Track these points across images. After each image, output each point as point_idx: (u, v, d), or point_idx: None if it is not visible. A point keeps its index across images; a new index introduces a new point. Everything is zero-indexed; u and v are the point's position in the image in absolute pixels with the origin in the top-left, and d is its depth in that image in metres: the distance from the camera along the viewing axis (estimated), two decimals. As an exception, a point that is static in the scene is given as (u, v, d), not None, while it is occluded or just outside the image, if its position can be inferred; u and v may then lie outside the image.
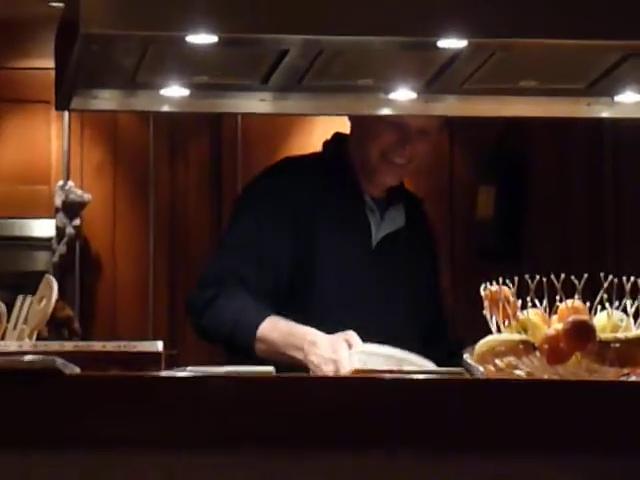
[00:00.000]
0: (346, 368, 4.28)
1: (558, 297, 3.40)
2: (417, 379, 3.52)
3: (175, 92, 4.39)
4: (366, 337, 4.41)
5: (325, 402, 3.13)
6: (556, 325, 3.37)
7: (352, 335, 4.38)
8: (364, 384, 3.37)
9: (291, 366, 4.41)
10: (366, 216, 4.81)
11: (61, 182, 6.58)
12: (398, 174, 4.88)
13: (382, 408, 3.09)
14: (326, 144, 5.07)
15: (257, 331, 4.59)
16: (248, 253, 4.83)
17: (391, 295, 4.74)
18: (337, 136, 5.02)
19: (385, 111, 4.53)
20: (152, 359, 3.43)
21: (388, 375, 3.62)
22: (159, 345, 3.39)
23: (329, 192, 4.83)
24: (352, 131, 4.94)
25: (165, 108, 4.66)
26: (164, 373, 3.28)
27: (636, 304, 3.41)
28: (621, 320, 3.45)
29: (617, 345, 3.37)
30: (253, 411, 3.12)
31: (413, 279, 4.84)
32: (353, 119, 4.93)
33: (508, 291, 3.51)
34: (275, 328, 4.61)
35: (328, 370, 4.38)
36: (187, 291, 5.09)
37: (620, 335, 3.39)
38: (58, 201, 5.39)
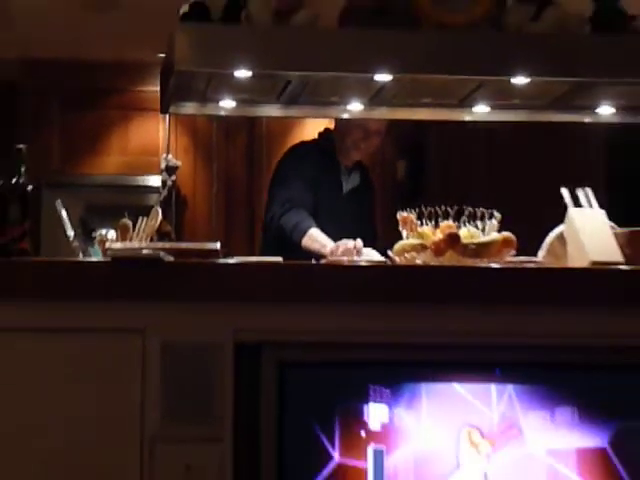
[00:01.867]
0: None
1: (440, 220, 4.01)
2: (376, 265, 4.08)
3: (227, 104, 4.87)
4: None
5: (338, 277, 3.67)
6: (438, 234, 3.93)
7: (358, 241, 5.03)
8: (355, 268, 3.94)
9: (318, 255, 5.07)
10: (340, 177, 5.66)
11: (164, 155, 6.88)
12: (361, 154, 5.73)
13: (363, 276, 3.67)
14: (320, 134, 5.88)
15: (307, 232, 5.31)
16: (298, 199, 5.47)
17: (354, 219, 5.40)
18: (326, 130, 5.87)
19: (346, 115, 5.08)
20: (213, 253, 3.73)
21: (367, 263, 4.20)
22: (218, 245, 3.78)
23: (322, 163, 5.64)
24: (335, 128, 5.72)
25: (222, 113, 5.17)
26: (221, 260, 3.70)
27: (481, 225, 3.99)
28: (474, 233, 3.97)
29: (472, 247, 3.89)
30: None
31: (363, 210, 5.68)
32: (336, 121, 5.69)
33: (412, 216, 4.08)
34: (316, 235, 5.29)
35: (339, 252, 5.03)
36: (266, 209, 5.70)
37: (474, 241, 3.92)
38: (162, 165, 5.29)
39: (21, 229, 3.57)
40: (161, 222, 3.93)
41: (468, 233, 3.93)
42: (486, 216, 4.00)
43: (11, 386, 3.37)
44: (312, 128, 6.25)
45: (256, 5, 4.16)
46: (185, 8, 4.18)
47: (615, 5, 4.33)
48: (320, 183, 5.46)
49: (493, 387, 3.56)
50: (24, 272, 3.51)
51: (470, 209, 4.01)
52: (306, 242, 5.20)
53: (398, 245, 4.04)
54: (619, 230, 3.88)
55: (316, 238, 5.18)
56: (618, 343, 3.59)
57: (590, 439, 3.57)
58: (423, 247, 3.92)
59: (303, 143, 6.14)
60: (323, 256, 4.98)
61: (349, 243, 5.01)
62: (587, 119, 4.98)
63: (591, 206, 3.96)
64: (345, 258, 4.75)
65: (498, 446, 3.53)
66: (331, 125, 5.50)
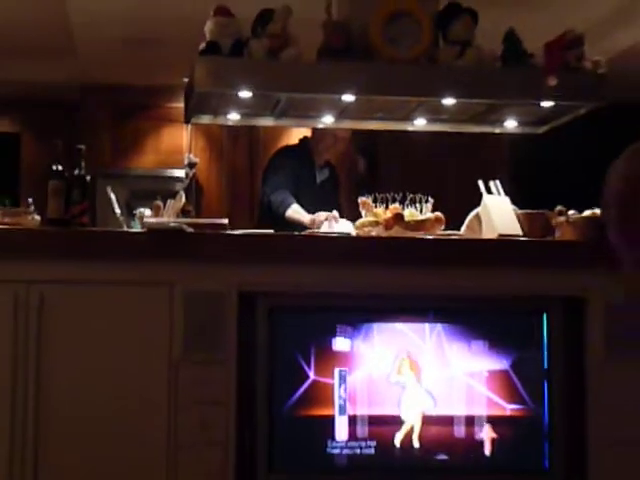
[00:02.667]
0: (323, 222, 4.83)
1: (389, 203, 4.02)
2: (342, 236, 3.95)
3: (233, 116, 4.80)
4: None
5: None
6: (388, 214, 3.94)
7: (334, 212, 4.85)
8: (327, 238, 4.03)
9: (299, 225, 4.97)
10: (314, 172, 5.45)
11: (187, 154, 6.26)
12: (330, 155, 5.53)
13: (333, 244, 3.75)
14: (300, 140, 5.64)
15: (290, 206, 5.14)
16: (284, 184, 5.28)
17: (324, 202, 5.11)
18: (305, 137, 5.62)
19: (320, 126, 5.01)
20: (223, 226, 3.74)
21: (336, 234, 4.12)
22: (226, 220, 3.77)
23: (302, 161, 5.45)
24: (312, 135, 5.51)
25: (229, 123, 5.05)
26: (228, 231, 3.70)
27: (419, 207, 3.97)
28: (414, 213, 3.95)
29: (412, 223, 3.88)
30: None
31: (331, 196, 5.44)
32: (313, 130, 5.48)
33: (369, 201, 4.10)
34: (297, 209, 5.13)
35: (319, 221, 4.87)
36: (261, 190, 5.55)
37: (414, 219, 3.91)
38: (185, 162, 5.11)
39: (81, 208, 3.62)
40: (184, 203, 3.92)
41: (409, 213, 3.93)
42: (423, 200, 4.01)
43: (76, 323, 3.44)
44: (295, 135, 6.19)
45: (254, 44, 4.17)
46: (203, 45, 4.19)
47: (519, 46, 4.35)
48: (300, 175, 5.39)
49: (427, 326, 3.65)
50: (83, 239, 3.58)
51: (411, 195, 4.02)
52: (289, 214, 5.10)
53: (359, 222, 4.08)
54: (519, 212, 3.89)
55: (297, 211, 5.10)
56: (517, 294, 3.66)
57: (496, 364, 3.65)
58: (377, 223, 3.93)
59: (288, 146, 6.08)
60: (304, 227, 4.88)
61: (322, 215, 4.89)
62: (497, 130, 4.97)
63: (499, 194, 3.97)
64: (325, 226, 4.69)
65: (430, 370, 3.61)
66: (309, 133, 5.37)
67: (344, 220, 4.72)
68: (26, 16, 5.68)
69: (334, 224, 4.72)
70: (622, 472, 3.51)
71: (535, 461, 3.66)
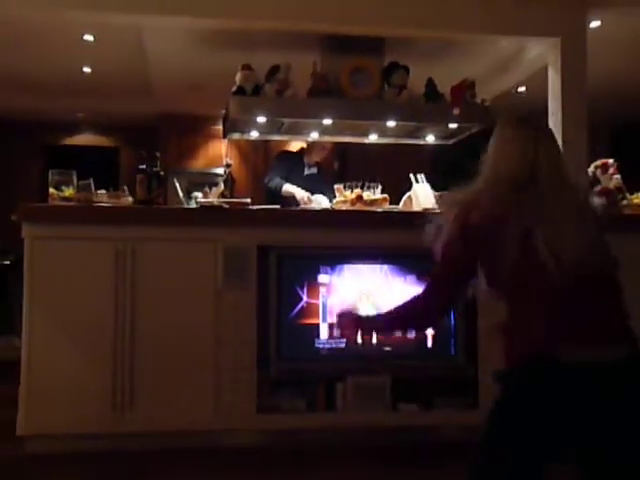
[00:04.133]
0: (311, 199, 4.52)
1: (354, 188, 3.81)
2: (325, 209, 3.91)
3: (254, 134, 4.63)
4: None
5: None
6: (353, 195, 3.75)
7: (317, 195, 4.57)
8: (314, 210, 3.97)
9: (293, 200, 4.58)
10: (304, 168, 4.90)
11: (224, 158, 6.02)
12: (318, 158, 4.96)
13: (319, 215, 3.69)
14: (299, 149, 5.15)
15: (283, 186, 4.67)
16: (276, 175, 4.79)
17: (309, 189, 4.63)
18: (301, 147, 5.10)
19: (310, 139, 4.77)
20: (247, 204, 3.55)
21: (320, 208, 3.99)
22: (249, 199, 3.60)
23: (294, 160, 4.95)
24: (307, 145, 4.97)
25: (252, 138, 4.78)
26: (250, 207, 3.55)
27: (373, 190, 3.82)
28: (370, 194, 3.78)
29: (369, 201, 3.73)
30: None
31: (315, 185, 4.74)
32: (307, 142, 4.97)
33: (341, 187, 3.86)
34: (289, 186, 4.66)
35: (300, 198, 4.54)
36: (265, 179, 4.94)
37: (369, 198, 3.74)
38: (224, 162, 4.92)
39: (157, 192, 3.53)
40: (222, 190, 3.74)
41: (367, 195, 3.79)
42: (375, 187, 3.87)
43: (156, 266, 3.34)
44: (294, 146, 5.87)
45: (267, 87, 4.11)
46: (234, 88, 4.11)
47: (435, 89, 4.29)
48: (290, 169, 4.85)
49: (378, 266, 3.56)
50: (159, 212, 3.50)
51: (367, 183, 3.87)
52: (285, 189, 4.65)
53: (334, 201, 3.92)
54: (435, 193, 3.71)
55: (289, 188, 4.63)
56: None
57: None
58: (346, 202, 3.77)
59: (284, 150, 5.69)
60: (295, 199, 4.59)
61: (305, 195, 4.55)
62: (422, 142, 4.84)
63: (423, 182, 3.85)
64: (315, 203, 4.47)
65: (379, 293, 3.50)
66: (304, 144, 5.06)
67: (326, 199, 4.49)
68: (122, 70, 5.57)
69: (319, 201, 4.51)
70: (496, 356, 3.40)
71: (446, 350, 3.58)
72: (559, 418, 1.42)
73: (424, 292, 1.75)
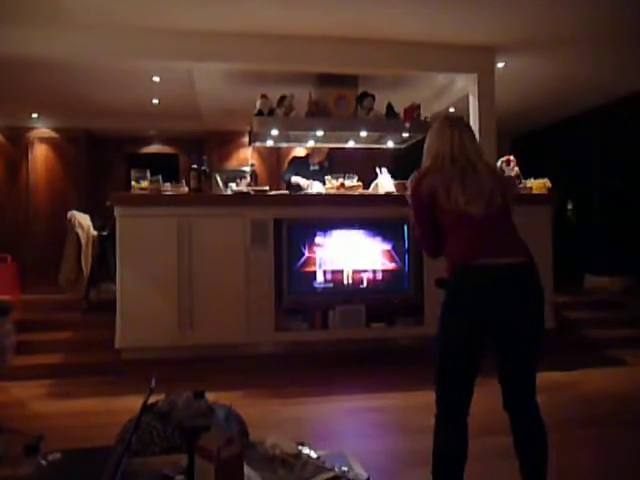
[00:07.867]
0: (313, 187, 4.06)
1: (339, 179, 3.65)
2: (321, 193, 3.52)
3: (270, 143, 4.48)
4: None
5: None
6: (338, 183, 3.61)
7: (313, 183, 4.12)
8: (314, 194, 3.63)
9: (298, 185, 4.18)
10: (309, 166, 4.37)
11: (250, 160, 5.94)
12: (318, 159, 4.40)
13: (318, 197, 3.46)
14: (305, 154, 4.59)
15: (293, 177, 4.27)
16: (289, 172, 4.35)
17: (313, 180, 4.24)
18: (307, 153, 4.52)
19: (309, 146, 4.47)
20: (266, 191, 3.40)
21: (317, 192, 3.68)
22: (267, 187, 3.53)
23: (301, 162, 4.51)
24: (310, 151, 4.47)
25: (268, 146, 4.60)
26: (269, 192, 3.40)
27: (351, 180, 3.64)
28: (350, 183, 3.61)
29: (349, 187, 3.57)
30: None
31: (318, 178, 4.12)
32: (307, 149, 4.56)
33: (330, 178, 3.70)
34: (297, 177, 4.24)
35: (305, 185, 4.14)
36: (282, 175, 4.59)
37: (349, 185, 3.59)
38: (249, 162, 4.60)
39: (205, 184, 3.40)
40: (249, 181, 3.63)
41: (347, 183, 3.62)
42: (353, 177, 3.69)
43: (206, 235, 3.24)
44: (298, 151, 5.68)
45: (278, 111, 4.00)
46: (255, 111, 4.00)
47: (393, 110, 4.15)
48: (299, 167, 4.44)
49: (355, 231, 3.47)
50: (207, 197, 3.35)
51: (348, 175, 3.68)
52: (294, 180, 4.20)
53: (325, 187, 3.69)
54: (394, 182, 3.58)
55: (297, 179, 4.21)
56: (394, 215, 3.38)
57: (386, 246, 3.49)
58: (333, 188, 3.59)
59: (295, 156, 5.12)
60: (300, 187, 4.18)
61: (306, 183, 4.14)
62: (384, 146, 4.64)
63: (385, 174, 3.68)
64: (312, 188, 4.01)
65: (356, 250, 3.42)
66: (308, 150, 4.57)
67: (321, 186, 4.31)
68: (180, 101, 5.40)
69: (314, 187, 4.27)
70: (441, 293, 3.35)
71: (403, 286, 3.49)
72: (477, 299, 1.49)
73: (417, 239, 1.73)
